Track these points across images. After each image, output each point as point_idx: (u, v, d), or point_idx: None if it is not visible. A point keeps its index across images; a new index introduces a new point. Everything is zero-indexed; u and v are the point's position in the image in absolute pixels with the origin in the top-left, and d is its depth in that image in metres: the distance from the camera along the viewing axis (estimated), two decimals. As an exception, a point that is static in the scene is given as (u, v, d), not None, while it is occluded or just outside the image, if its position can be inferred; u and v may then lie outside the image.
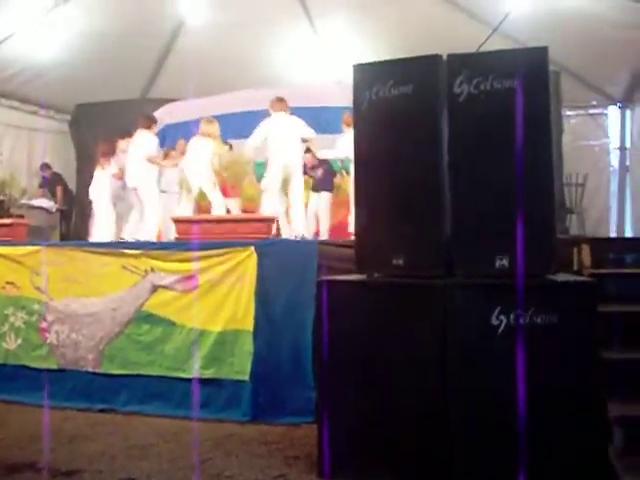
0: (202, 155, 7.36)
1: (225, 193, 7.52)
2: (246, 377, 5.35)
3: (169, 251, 5.68)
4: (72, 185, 12.01)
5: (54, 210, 11.25)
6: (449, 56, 3.57)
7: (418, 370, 3.58)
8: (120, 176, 7.84)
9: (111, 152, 8.24)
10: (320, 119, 9.63)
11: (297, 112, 10.02)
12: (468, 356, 3.51)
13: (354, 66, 3.83)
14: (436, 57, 3.56)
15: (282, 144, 7.26)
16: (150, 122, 7.93)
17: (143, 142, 7.59)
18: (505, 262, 3.49)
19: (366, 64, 3.80)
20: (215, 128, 7.78)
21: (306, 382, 5.14)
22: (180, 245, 5.74)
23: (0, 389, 6.05)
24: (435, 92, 3.56)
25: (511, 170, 3.47)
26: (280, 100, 7.58)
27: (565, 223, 9.23)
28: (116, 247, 5.97)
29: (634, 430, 3.48)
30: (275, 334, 5.33)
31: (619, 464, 3.33)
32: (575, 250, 4.92)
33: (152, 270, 5.65)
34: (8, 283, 6.15)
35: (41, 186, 11.62)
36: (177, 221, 6.05)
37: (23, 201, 10.88)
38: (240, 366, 5.39)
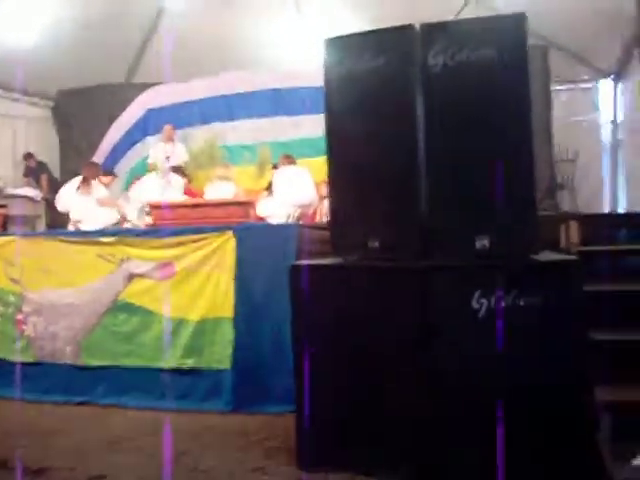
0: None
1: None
2: (227, 366, 5.19)
3: (144, 238, 5.48)
4: (57, 173, 11.84)
5: (39, 199, 11.07)
6: (423, 25, 3.38)
7: (397, 356, 3.43)
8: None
9: (94, 176, 7.95)
10: (305, 100, 9.47)
11: (282, 93, 9.89)
12: (449, 341, 3.35)
13: (325, 40, 3.64)
14: (409, 27, 3.37)
15: None
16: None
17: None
18: (485, 242, 3.32)
19: (337, 37, 3.61)
20: (232, 172, 7.72)
21: (288, 369, 4.97)
22: (156, 232, 5.55)
23: (-23, 383, 5.89)
24: (409, 64, 3.37)
25: (490, 145, 3.31)
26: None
27: (556, 199, 9.09)
28: (90, 235, 5.79)
29: (623, 415, 3.33)
30: (256, 321, 5.16)
31: (607, 451, 3.18)
32: (563, 227, 4.76)
33: (128, 258, 5.47)
34: (-18, 275, 5.98)
35: (26, 175, 11.47)
36: (152, 207, 5.87)
37: (8, 190, 10.72)
38: (221, 355, 5.22)
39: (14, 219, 10.36)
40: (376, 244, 3.46)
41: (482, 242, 3.32)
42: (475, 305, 3.25)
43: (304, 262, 3.77)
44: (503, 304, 3.21)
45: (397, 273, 3.39)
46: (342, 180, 3.65)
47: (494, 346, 3.20)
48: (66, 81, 11.39)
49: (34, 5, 9.23)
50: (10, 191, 10.77)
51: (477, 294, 3.26)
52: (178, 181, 7.57)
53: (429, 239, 3.42)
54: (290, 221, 6.87)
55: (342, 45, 3.60)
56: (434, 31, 3.37)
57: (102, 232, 5.92)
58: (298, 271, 3.61)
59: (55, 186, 11.63)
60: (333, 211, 3.68)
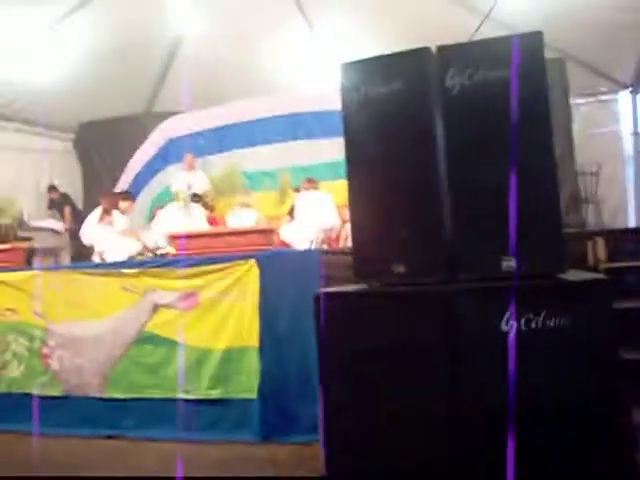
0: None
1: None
2: (254, 395, 5.13)
3: (167, 268, 5.48)
4: (80, 204, 11.93)
5: (63, 231, 11.16)
6: (439, 48, 3.33)
7: (425, 382, 3.35)
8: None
9: (113, 206, 8.05)
10: (324, 123, 9.45)
11: (301, 118, 9.89)
12: (478, 365, 3.27)
13: (342, 65, 3.61)
14: (425, 50, 3.32)
15: None
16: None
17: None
18: (512, 263, 3.25)
19: (353, 62, 3.57)
20: (252, 199, 7.69)
21: (316, 397, 4.92)
22: (178, 262, 5.53)
23: (5, 419, 5.88)
24: (426, 87, 3.32)
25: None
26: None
27: (581, 214, 8.98)
28: (114, 267, 5.79)
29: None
30: (282, 349, 5.12)
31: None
32: (590, 244, 4.68)
33: (152, 289, 5.47)
34: (8, 309, 5.99)
35: (49, 207, 11.58)
36: (173, 237, 5.87)
37: (32, 223, 10.81)
38: (247, 384, 5.17)
39: (38, 251, 10.47)
40: (401, 269, 3.40)
41: (508, 263, 3.25)
42: (504, 328, 3.18)
43: (328, 290, 3.71)
44: (533, 326, 3.14)
45: (422, 298, 3.33)
46: (363, 205, 3.60)
47: (525, 369, 3.12)
48: (87, 113, 11.53)
49: (53, 39, 9.32)
50: (34, 223, 10.88)
51: (506, 316, 3.18)
52: (200, 211, 7.57)
53: (454, 262, 3.36)
54: (313, 246, 6.84)
55: (358, 70, 3.56)
56: (450, 52, 3.32)
57: (125, 264, 5.92)
58: (322, 299, 3.55)
59: (79, 217, 11.76)
60: (355, 236, 3.62)
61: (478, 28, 6.95)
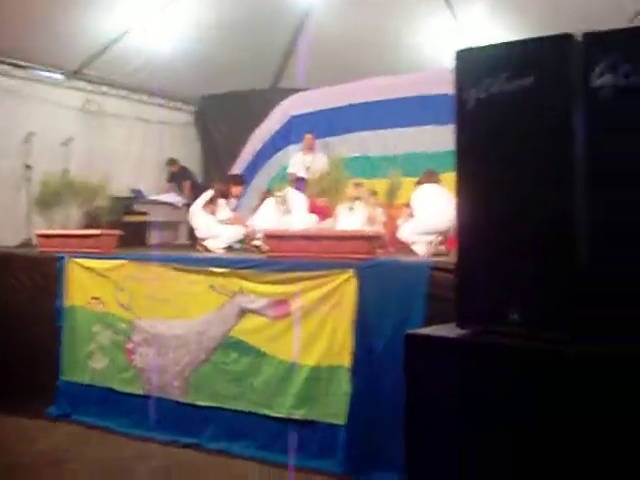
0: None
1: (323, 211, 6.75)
2: (341, 421, 4.56)
3: (258, 270, 4.97)
4: (199, 178, 11.76)
5: (181, 205, 11.00)
6: (586, 35, 2.54)
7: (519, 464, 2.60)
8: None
9: (223, 194, 7.72)
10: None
11: (431, 100, 9.11)
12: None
13: (457, 52, 2.87)
14: (566, 37, 2.54)
15: None
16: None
17: None
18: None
19: (473, 49, 2.82)
20: (364, 191, 7.02)
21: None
22: (272, 264, 5.00)
23: (85, 411, 5.64)
24: (565, 86, 2.54)
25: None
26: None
27: None
28: (204, 263, 5.34)
29: None
30: (376, 373, 4.46)
31: None
32: None
33: (240, 291, 4.97)
34: (93, 298, 5.70)
35: (169, 181, 11.46)
36: (269, 236, 5.31)
37: (150, 196, 10.72)
38: (335, 407, 4.59)
39: (155, 225, 10.36)
40: (516, 316, 2.66)
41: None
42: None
43: (421, 331, 3.04)
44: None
45: (543, 359, 2.56)
46: (474, 227, 2.87)
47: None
48: (210, 86, 11.25)
49: (174, 10, 9.04)
50: (152, 197, 10.78)
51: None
52: (301, 200, 6.86)
53: (591, 313, 2.54)
54: (431, 249, 6.15)
55: (479, 58, 2.82)
56: (601, 41, 2.52)
57: (215, 260, 5.45)
58: (413, 341, 2.89)
59: (198, 192, 11.54)
60: (460, 268, 2.90)
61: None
